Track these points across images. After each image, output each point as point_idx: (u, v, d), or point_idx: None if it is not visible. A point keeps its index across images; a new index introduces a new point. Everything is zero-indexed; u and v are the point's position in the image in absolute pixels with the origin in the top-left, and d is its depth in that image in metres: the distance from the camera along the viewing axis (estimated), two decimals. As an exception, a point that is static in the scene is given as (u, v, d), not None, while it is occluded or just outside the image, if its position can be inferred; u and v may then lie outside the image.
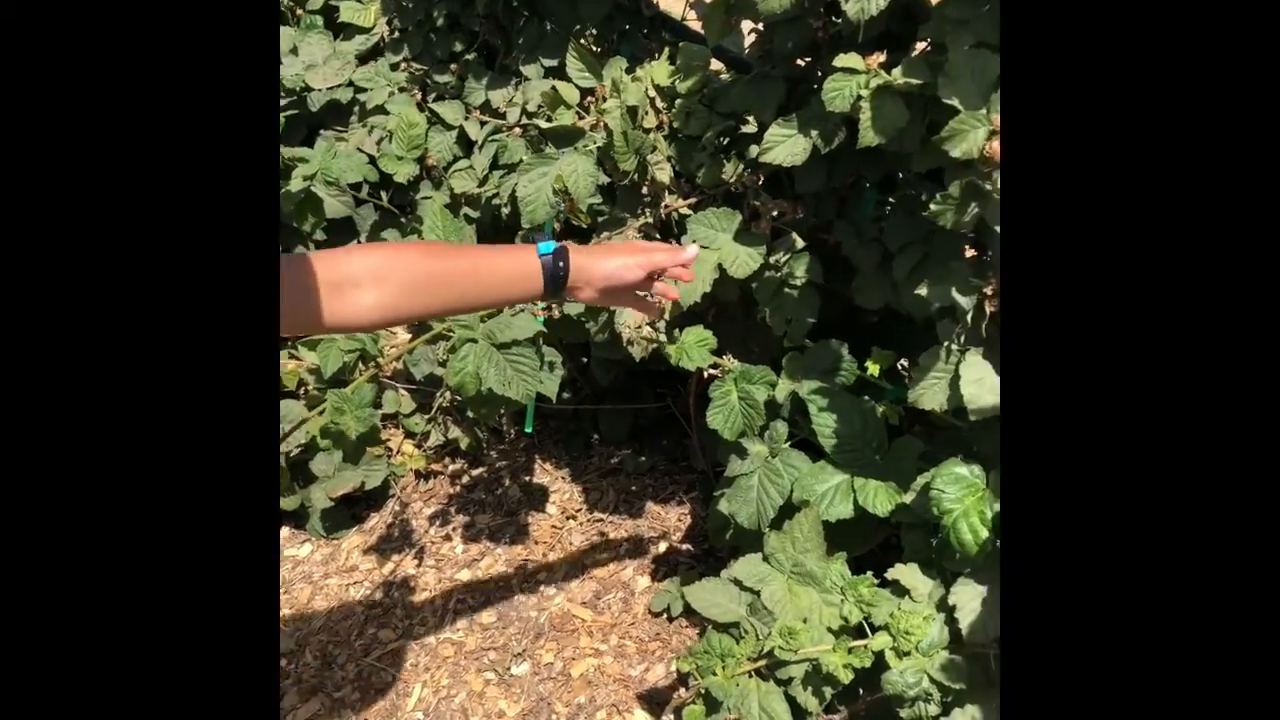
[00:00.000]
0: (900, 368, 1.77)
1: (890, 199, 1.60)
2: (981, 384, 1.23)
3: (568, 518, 2.30)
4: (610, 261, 1.19)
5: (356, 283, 1.01)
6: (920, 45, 1.39)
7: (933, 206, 1.14)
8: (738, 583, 1.43)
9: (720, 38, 1.57)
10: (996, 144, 1.03)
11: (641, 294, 1.25)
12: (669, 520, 2.25)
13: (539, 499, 2.35)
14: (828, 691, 1.34)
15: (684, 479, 2.34)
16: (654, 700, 1.93)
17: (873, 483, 1.44)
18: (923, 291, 1.22)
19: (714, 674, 1.34)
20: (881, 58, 1.20)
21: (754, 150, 1.66)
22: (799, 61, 1.54)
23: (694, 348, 1.50)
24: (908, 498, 1.36)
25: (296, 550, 2.31)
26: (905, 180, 1.57)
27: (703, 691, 1.35)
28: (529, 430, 1.77)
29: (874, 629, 1.32)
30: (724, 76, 1.67)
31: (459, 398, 1.85)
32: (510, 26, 2.16)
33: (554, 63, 2.04)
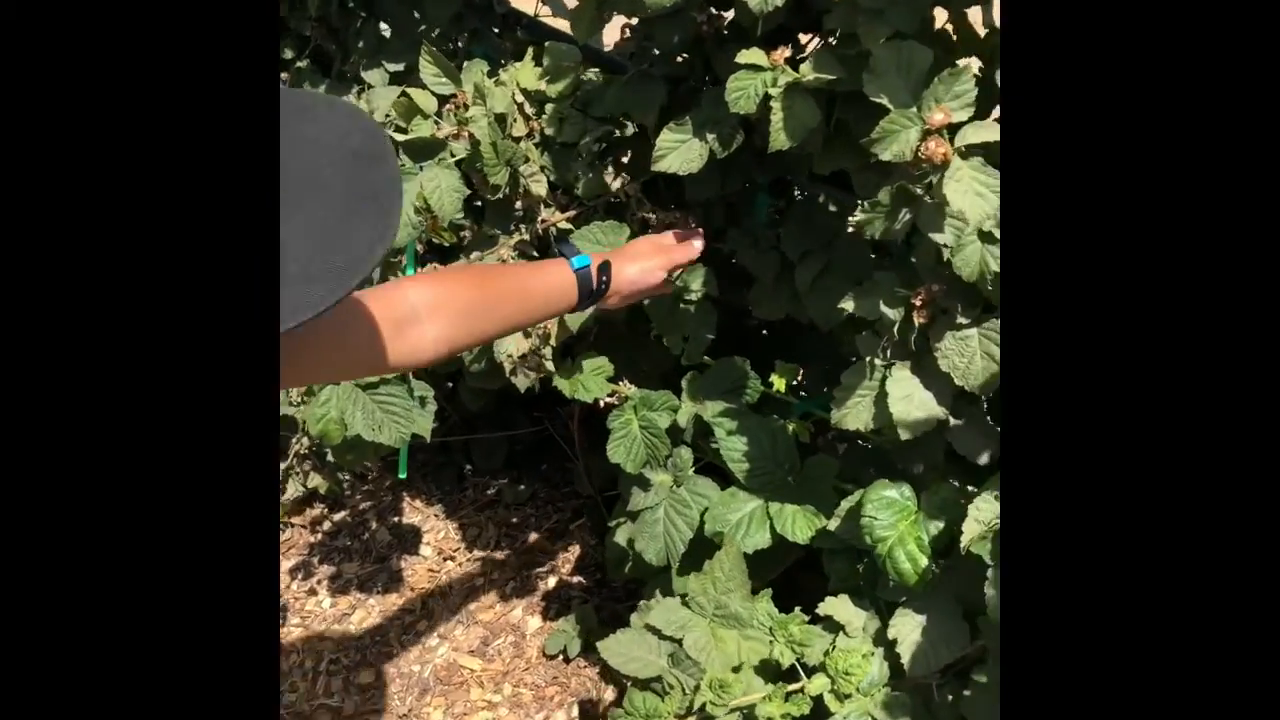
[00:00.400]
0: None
1: (780, 204, 1.51)
2: (910, 400, 1.14)
3: (445, 559, 2.13)
4: (633, 267, 1.23)
5: (416, 318, 0.97)
6: (815, 40, 1.31)
7: (858, 215, 1.04)
8: (655, 631, 1.30)
9: (589, 35, 1.44)
10: (931, 144, 0.94)
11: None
12: (556, 552, 2.12)
13: (411, 541, 2.17)
14: (761, 741, 1.24)
15: (568, 505, 2.20)
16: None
17: (789, 508, 1.34)
18: (848, 306, 1.13)
19: (640, 737, 1.22)
20: (787, 52, 1.10)
21: (631, 157, 1.55)
22: (679, 59, 1.42)
23: (591, 379, 1.37)
24: (832, 524, 1.26)
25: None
26: (798, 183, 1.48)
27: (629, 757, 1.23)
28: (403, 475, 1.60)
29: (809, 670, 1.22)
30: (590, 77, 1.54)
31: (319, 444, 1.67)
32: (345, 30, 1.97)
33: (399, 67, 1.86)
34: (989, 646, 1.15)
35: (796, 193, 1.50)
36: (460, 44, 1.89)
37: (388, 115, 1.75)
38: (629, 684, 1.29)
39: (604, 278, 1.17)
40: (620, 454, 1.40)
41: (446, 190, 1.47)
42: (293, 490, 1.79)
